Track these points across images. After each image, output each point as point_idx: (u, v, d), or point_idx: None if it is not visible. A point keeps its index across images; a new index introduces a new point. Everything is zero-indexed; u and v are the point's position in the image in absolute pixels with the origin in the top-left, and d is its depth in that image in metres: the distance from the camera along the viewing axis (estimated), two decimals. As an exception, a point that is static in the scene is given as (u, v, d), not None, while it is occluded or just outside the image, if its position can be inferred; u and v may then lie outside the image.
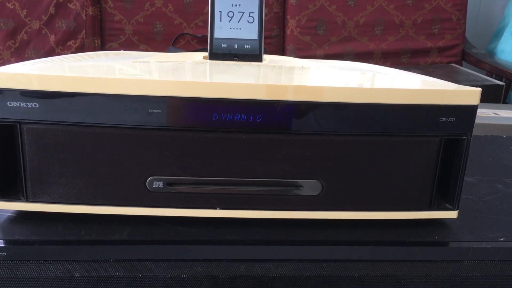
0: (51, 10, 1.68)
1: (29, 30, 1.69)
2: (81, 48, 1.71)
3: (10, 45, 1.69)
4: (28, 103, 0.42)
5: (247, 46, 0.55)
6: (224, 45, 0.55)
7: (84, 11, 1.68)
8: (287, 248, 0.45)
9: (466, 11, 1.78)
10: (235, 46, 0.55)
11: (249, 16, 0.55)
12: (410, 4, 1.75)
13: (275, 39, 1.78)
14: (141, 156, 0.44)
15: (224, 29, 0.55)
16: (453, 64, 1.72)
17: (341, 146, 0.45)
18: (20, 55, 1.71)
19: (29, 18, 1.68)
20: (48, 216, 0.45)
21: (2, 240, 0.43)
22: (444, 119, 0.45)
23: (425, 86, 0.47)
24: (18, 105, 0.42)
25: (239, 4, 0.55)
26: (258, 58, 0.56)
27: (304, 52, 1.75)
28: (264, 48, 1.62)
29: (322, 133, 0.44)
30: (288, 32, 1.77)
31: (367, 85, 0.46)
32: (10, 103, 0.42)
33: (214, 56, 0.55)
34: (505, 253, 0.46)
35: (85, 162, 0.44)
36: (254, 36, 0.56)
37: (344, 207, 0.47)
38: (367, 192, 0.46)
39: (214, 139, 0.44)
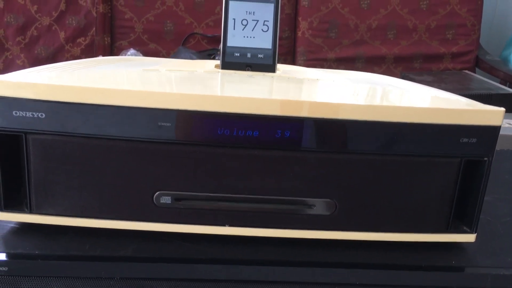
0: (62, 6, 1.67)
1: (39, 26, 1.68)
2: (91, 46, 1.70)
3: (19, 40, 1.69)
4: (34, 113, 0.41)
5: (261, 56, 0.54)
6: (237, 54, 0.54)
7: (95, 8, 1.67)
8: (297, 269, 0.43)
9: (481, 17, 1.76)
10: (248, 56, 0.54)
11: (264, 24, 0.54)
12: (424, 9, 1.72)
13: (286, 41, 1.76)
14: (149, 170, 0.42)
15: (237, 38, 0.54)
16: (466, 71, 1.69)
17: (356, 165, 0.43)
18: (29, 51, 1.70)
19: (40, 14, 1.67)
20: (52, 229, 0.44)
21: (4, 254, 0.41)
22: (465, 140, 0.43)
23: (446, 105, 0.45)
24: (24, 114, 0.41)
25: (253, 12, 0.54)
26: (272, 69, 0.54)
27: (315, 54, 1.73)
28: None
29: (337, 151, 0.43)
30: (299, 34, 1.75)
31: (385, 102, 0.44)
32: (16, 113, 0.41)
33: (226, 65, 0.54)
34: (526, 281, 0.44)
35: (91, 175, 0.42)
36: (268, 45, 0.54)
37: (358, 228, 0.45)
38: (382, 212, 0.45)
39: (225, 155, 0.42)
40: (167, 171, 0.42)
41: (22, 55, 1.70)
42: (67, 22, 1.68)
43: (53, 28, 1.68)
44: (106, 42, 1.70)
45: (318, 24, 1.72)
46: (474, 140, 0.43)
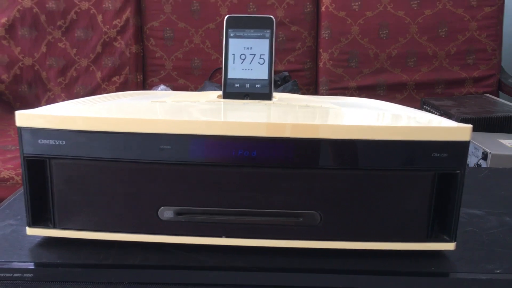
0: (98, 48, 1.79)
1: (78, 67, 1.81)
2: (125, 83, 1.81)
3: (60, 81, 1.82)
4: (56, 140, 0.48)
5: (258, 86, 0.60)
6: (236, 85, 0.60)
7: (128, 49, 1.79)
8: (286, 275, 0.48)
9: (501, 41, 1.77)
10: (247, 86, 0.60)
11: (260, 58, 0.60)
12: (443, 36, 1.76)
13: (308, 71, 1.82)
14: (153, 187, 0.48)
15: (237, 70, 0.60)
16: (487, 95, 1.70)
17: (339, 179, 0.48)
18: (69, 90, 1.83)
19: (78, 57, 1.80)
20: (71, 241, 0.50)
21: (30, 263, 0.48)
22: (436, 155, 0.47)
23: (420, 123, 0.49)
24: (48, 142, 0.48)
25: (251, 47, 0.60)
26: (268, 97, 0.60)
27: (337, 84, 1.79)
28: (283, 79, 1.66)
29: (321, 168, 0.48)
30: (321, 65, 1.81)
31: (362, 122, 0.49)
32: (41, 141, 0.48)
33: (227, 95, 0.60)
34: (500, 285, 0.47)
35: (104, 193, 0.49)
36: (265, 76, 0.60)
37: (342, 237, 0.49)
38: (364, 223, 0.49)
39: (220, 173, 0.48)
40: (169, 188, 0.48)
41: (63, 95, 1.82)
42: (103, 62, 1.80)
43: (91, 68, 1.81)
44: (138, 80, 1.81)
45: (338, 54, 1.78)
46: (445, 154, 0.47)
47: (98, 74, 1.81)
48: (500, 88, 1.79)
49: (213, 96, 0.61)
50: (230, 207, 0.49)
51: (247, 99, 0.60)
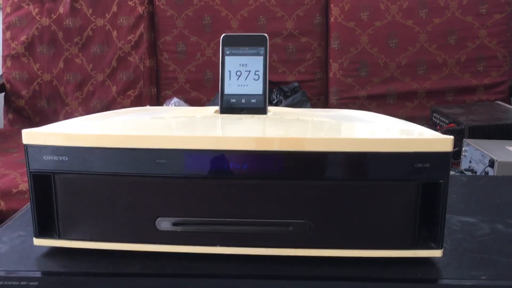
0: (114, 63, 1.85)
1: (94, 82, 1.86)
2: (139, 97, 1.86)
3: (77, 96, 1.87)
4: (59, 157, 0.51)
5: (253, 101, 0.62)
6: (233, 100, 0.63)
7: (142, 63, 1.84)
8: (279, 282, 0.50)
9: (512, 48, 1.78)
10: (243, 101, 0.63)
11: (255, 74, 0.63)
12: (453, 44, 1.76)
13: (319, 82, 1.84)
14: (150, 200, 0.51)
15: (233, 86, 0.63)
16: (498, 102, 1.70)
17: (327, 189, 0.50)
18: (86, 104, 1.88)
19: (95, 72, 1.86)
20: (75, 251, 0.53)
21: (36, 272, 0.51)
22: (419, 165, 0.49)
23: (402, 135, 0.51)
24: (52, 158, 0.51)
25: (246, 64, 0.63)
26: (263, 111, 0.62)
27: (347, 93, 1.81)
28: (293, 90, 1.67)
29: (309, 179, 0.50)
30: (331, 75, 1.83)
31: (347, 135, 0.51)
32: (46, 157, 0.51)
33: (224, 110, 0.63)
34: (484, 290, 0.48)
35: (104, 206, 0.52)
36: (260, 91, 0.63)
37: (332, 245, 0.52)
38: (352, 231, 0.51)
39: (213, 185, 0.51)
40: (165, 200, 0.51)
41: (80, 109, 1.88)
42: (118, 77, 1.85)
43: (106, 83, 1.86)
44: (152, 93, 1.86)
45: (348, 64, 1.80)
46: (428, 165, 0.49)
47: (114, 88, 1.86)
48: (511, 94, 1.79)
49: (210, 111, 0.64)
50: (224, 218, 0.51)
51: (243, 113, 0.63)
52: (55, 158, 0.51)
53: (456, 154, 1.32)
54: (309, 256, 0.52)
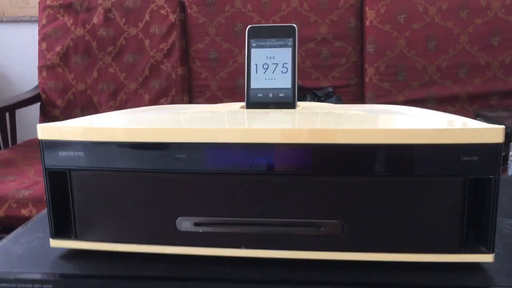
0: (146, 72, 1.85)
1: (127, 91, 1.86)
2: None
3: (111, 105, 1.88)
4: (75, 152, 0.48)
5: (281, 95, 0.59)
6: (259, 95, 0.59)
7: (174, 71, 1.83)
8: (308, 288, 0.45)
9: (561, 48, 1.67)
10: (270, 95, 0.59)
11: (283, 66, 0.59)
12: (496, 45, 1.68)
13: (354, 87, 1.79)
14: (171, 198, 0.48)
15: (259, 80, 0.59)
16: (547, 104, 1.61)
17: (361, 186, 0.46)
18: (119, 113, 1.88)
19: (127, 80, 1.86)
20: (91, 252, 0.50)
21: (51, 274, 0.48)
22: (466, 158, 0.44)
23: (446, 126, 0.46)
24: (67, 154, 0.48)
25: (273, 57, 0.59)
26: (292, 105, 0.58)
27: (384, 98, 1.74)
28: (327, 95, 1.62)
29: (342, 174, 0.45)
30: (366, 79, 1.77)
31: (385, 126, 0.47)
32: (61, 153, 0.49)
33: (250, 105, 0.59)
34: (544, 300, 0.42)
35: (122, 204, 0.48)
36: (288, 85, 0.59)
37: (367, 249, 0.47)
38: (390, 232, 0.46)
39: (237, 182, 0.47)
40: (187, 198, 0.47)
41: (113, 118, 1.88)
42: (150, 85, 1.85)
43: (139, 91, 1.86)
44: (185, 101, 1.84)
45: (385, 69, 1.74)
46: (475, 158, 0.44)
47: (146, 97, 1.85)
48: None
49: (236, 106, 0.60)
50: (248, 217, 0.47)
51: (270, 108, 0.59)
52: (71, 154, 0.48)
53: (503, 159, 1.24)
54: (342, 260, 0.47)
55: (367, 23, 1.76)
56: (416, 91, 1.73)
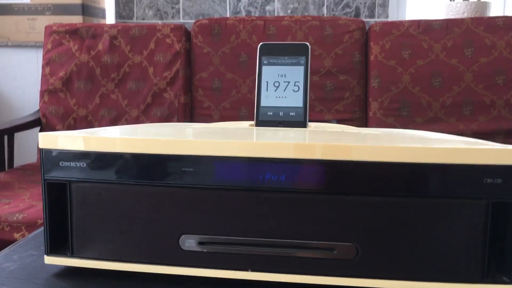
0: (149, 99, 1.84)
1: (128, 117, 1.85)
2: (173, 133, 1.83)
3: (112, 131, 1.86)
4: (76, 163, 0.46)
5: (292, 114, 0.57)
6: (270, 113, 0.57)
7: (177, 99, 1.82)
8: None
9: None
10: (281, 114, 0.57)
11: (295, 85, 0.57)
12: (501, 84, 1.68)
13: (357, 121, 1.78)
14: (174, 214, 0.45)
15: (270, 98, 0.57)
16: (553, 144, 1.59)
17: (378, 207, 0.43)
18: (119, 140, 1.86)
19: (129, 107, 1.85)
20: (88, 271, 0.47)
21: (43, 292, 0.45)
22: (489, 181, 0.42)
23: (467, 145, 0.44)
24: (68, 164, 0.46)
25: (284, 75, 0.57)
26: (303, 125, 0.56)
27: (388, 133, 1.73)
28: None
29: (357, 194, 0.43)
30: (370, 114, 1.76)
31: (403, 144, 0.44)
32: (62, 163, 0.46)
33: (260, 123, 0.57)
34: None
35: (122, 220, 0.46)
36: (300, 104, 0.57)
37: (381, 275, 0.44)
38: (407, 258, 0.43)
39: (245, 199, 0.44)
40: (191, 214, 0.45)
41: (113, 145, 1.86)
42: (152, 113, 1.84)
43: (141, 119, 1.85)
44: (186, 130, 1.83)
45: (389, 103, 1.73)
46: (499, 180, 0.42)
47: (148, 124, 1.84)
48: None
49: (245, 124, 0.58)
50: (256, 237, 0.45)
51: (281, 127, 0.57)
52: (72, 164, 0.46)
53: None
54: (355, 287, 0.44)
55: (372, 58, 1.76)
56: (420, 127, 1.71)
